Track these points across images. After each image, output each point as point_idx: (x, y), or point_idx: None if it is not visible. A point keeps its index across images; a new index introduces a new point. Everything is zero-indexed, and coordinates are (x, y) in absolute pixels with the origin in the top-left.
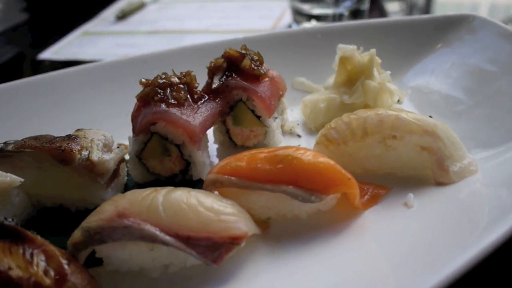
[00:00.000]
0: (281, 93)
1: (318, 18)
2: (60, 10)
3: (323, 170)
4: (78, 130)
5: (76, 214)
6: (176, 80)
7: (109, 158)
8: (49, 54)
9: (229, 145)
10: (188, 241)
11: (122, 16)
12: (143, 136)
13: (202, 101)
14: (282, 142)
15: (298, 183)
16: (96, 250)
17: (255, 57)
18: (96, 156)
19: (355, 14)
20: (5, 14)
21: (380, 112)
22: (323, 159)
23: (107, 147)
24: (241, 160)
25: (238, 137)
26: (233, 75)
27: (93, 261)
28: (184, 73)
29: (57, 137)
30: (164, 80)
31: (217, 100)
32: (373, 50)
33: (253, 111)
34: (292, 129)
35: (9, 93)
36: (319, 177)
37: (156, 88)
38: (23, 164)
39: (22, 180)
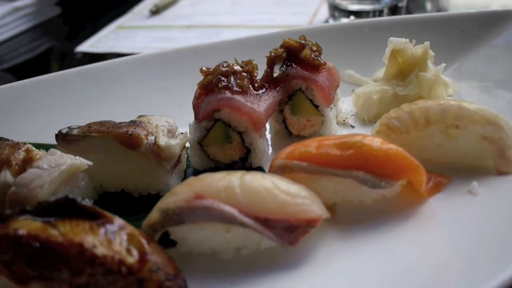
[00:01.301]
0: (336, 83)
1: (356, 14)
2: (92, 4)
3: (392, 156)
4: (140, 116)
5: (139, 199)
6: (238, 68)
7: (175, 143)
8: (86, 47)
9: (284, 134)
10: (266, 223)
11: (156, 11)
12: (206, 122)
13: (263, 90)
14: (338, 132)
15: (368, 169)
16: (171, 232)
17: (314, 48)
18: (162, 141)
19: (393, 10)
20: (39, 8)
21: (442, 102)
22: (392, 146)
23: (171, 133)
24: (310, 146)
25: (294, 127)
26: (293, 64)
27: (165, 243)
28: (245, 62)
29: (121, 122)
30: (226, 68)
31: (277, 89)
32: (427, 43)
33: (311, 101)
34: (345, 119)
35: (67, 80)
36: (389, 163)
37: (219, 76)
38: (88, 149)
39: (91, 163)
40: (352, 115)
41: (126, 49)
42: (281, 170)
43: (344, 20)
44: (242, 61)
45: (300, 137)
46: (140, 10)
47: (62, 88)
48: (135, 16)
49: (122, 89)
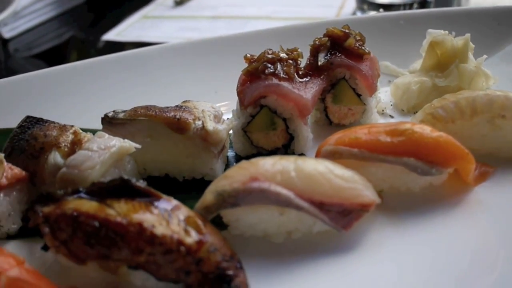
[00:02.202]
0: (377, 73)
1: (385, 7)
2: None
3: (443, 144)
4: (185, 101)
5: (183, 183)
6: (284, 55)
7: (222, 128)
8: (112, 35)
9: (324, 123)
10: (321, 206)
11: (181, 1)
12: (251, 109)
13: (307, 78)
14: (378, 121)
15: (418, 156)
16: (223, 214)
17: (357, 37)
18: (210, 125)
19: (422, 4)
20: None
21: (489, 92)
22: (442, 133)
23: (217, 118)
24: (359, 133)
25: (335, 115)
26: (337, 53)
27: (217, 226)
28: (290, 50)
29: (167, 107)
30: (272, 56)
31: (321, 77)
32: (468, 35)
33: (353, 90)
34: (384, 109)
35: (109, 65)
36: (439, 151)
37: (265, 62)
38: (135, 132)
39: (139, 146)
40: (391, 105)
41: (152, 39)
42: (330, 156)
43: (372, 13)
44: (287, 49)
45: (340, 126)
46: (164, 0)
47: (101, 74)
48: (159, 6)
49: (160, 76)
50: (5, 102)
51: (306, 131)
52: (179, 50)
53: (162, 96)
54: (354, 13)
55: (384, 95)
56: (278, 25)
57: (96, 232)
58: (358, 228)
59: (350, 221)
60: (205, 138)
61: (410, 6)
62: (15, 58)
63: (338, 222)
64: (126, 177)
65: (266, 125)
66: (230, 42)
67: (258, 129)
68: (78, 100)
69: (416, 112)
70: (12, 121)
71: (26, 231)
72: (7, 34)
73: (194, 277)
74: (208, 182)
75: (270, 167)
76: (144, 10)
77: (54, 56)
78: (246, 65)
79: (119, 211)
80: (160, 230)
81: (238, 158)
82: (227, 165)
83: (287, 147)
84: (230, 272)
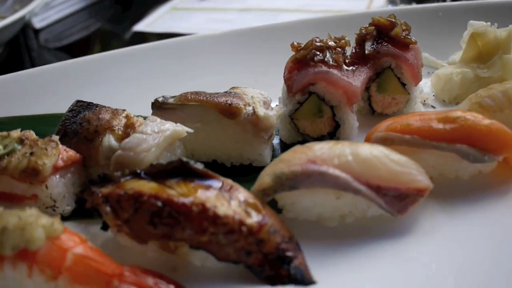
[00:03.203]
0: (421, 63)
1: (419, 1)
2: None
3: (495, 132)
4: (233, 87)
5: (230, 169)
6: (332, 43)
7: (273, 114)
8: (142, 26)
9: (367, 112)
10: (378, 190)
11: None
12: (300, 96)
13: (354, 67)
14: (422, 111)
15: (470, 143)
16: (279, 198)
17: (403, 27)
18: (261, 111)
19: None
20: None
21: None
22: (494, 121)
23: (266, 105)
24: (410, 119)
25: (378, 104)
26: (383, 42)
27: None
28: (338, 38)
29: (217, 92)
30: (320, 44)
31: (368, 65)
32: (511, 26)
33: (398, 79)
34: (426, 100)
35: (147, 54)
36: (492, 138)
37: (314, 50)
38: (185, 117)
39: (191, 131)
40: (433, 95)
41: (183, 30)
42: (381, 142)
43: (404, 7)
44: (335, 37)
45: (383, 115)
46: None
47: (144, 61)
48: None
49: (202, 64)
50: (52, 87)
51: (352, 119)
52: (222, 39)
53: (205, 84)
54: (385, 6)
55: (423, 86)
56: (310, 17)
57: (160, 212)
58: (409, 214)
59: (405, 206)
60: (255, 123)
61: None
62: (45, 48)
63: (394, 207)
64: (184, 159)
65: (313, 112)
66: (275, 31)
67: (305, 116)
68: (121, 86)
69: (458, 103)
70: (57, 107)
71: (78, 213)
72: (38, 24)
73: (255, 258)
74: (256, 168)
75: (327, 151)
76: (172, 2)
77: (82, 48)
78: (286, 54)
79: (180, 191)
80: (222, 210)
81: (283, 145)
82: (274, 152)
83: (333, 135)
84: (290, 254)
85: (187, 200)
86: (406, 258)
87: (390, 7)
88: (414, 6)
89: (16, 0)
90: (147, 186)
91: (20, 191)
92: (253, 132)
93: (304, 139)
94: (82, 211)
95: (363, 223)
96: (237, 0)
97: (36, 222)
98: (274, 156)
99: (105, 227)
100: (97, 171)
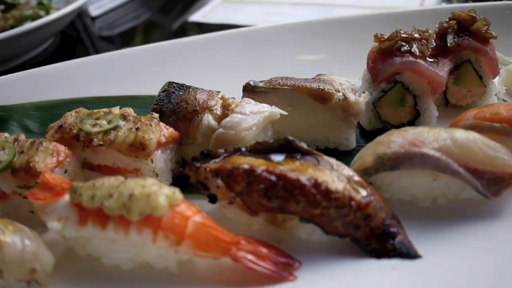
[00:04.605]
0: (497, 57)
1: None
2: None
3: None
4: (319, 74)
5: None
6: (417, 35)
7: (362, 100)
8: (198, 17)
9: (441, 103)
10: (475, 173)
11: None
12: (385, 84)
13: (436, 58)
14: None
15: None
16: (375, 178)
17: (483, 22)
18: (352, 97)
19: None
20: None
21: None
22: None
23: (353, 91)
24: (499, 108)
25: (453, 96)
26: (464, 36)
27: None
28: (422, 31)
29: (306, 78)
30: (406, 35)
31: (449, 57)
32: None
33: (476, 72)
34: (497, 94)
35: (225, 41)
36: None
37: (400, 41)
38: (276, 101)
39: (285, 113)
40: (506, 89)
41: (239, 21)
42: (470, 130)
43: (459, 5)
44: (418, 30)
45: (458, 107)
46: None
47: (226, 47)
48: None
49: (273, 54)
50: (138, 70)
51: (433, 109)
52: (297, 29)
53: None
54: (439, 4)
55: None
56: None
57: (274, 186)
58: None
59: (500, 189)
60: (346, 109)
61: None
62: (101, 36)
63: (489, 190)
64: (290, 137)
65: (396, 101)
66: (347, 24)
67: (388, 104)
68: (205, 70)
69: None
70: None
71: None
72: (94, 12)
73: (362, 232)
74: (339, 152)
75: (425, 134)
76: None
77: (132, 37)
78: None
79: (290, 167)
80: (334, 185)
81: (363, 132)
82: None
83: (412, 123)
84: (394, 230)
85: (300, 175)
86: (498, 241)
87: (444, 5)
88: (483, 4)
89: None
90: (256, 162)
91: (122, 165)
92: (343, 117)
93: (384, 126)
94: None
95: (453, 205)
96: None
97: (159, 191)
98: None
99: (213, 200)
100: (191, 149)
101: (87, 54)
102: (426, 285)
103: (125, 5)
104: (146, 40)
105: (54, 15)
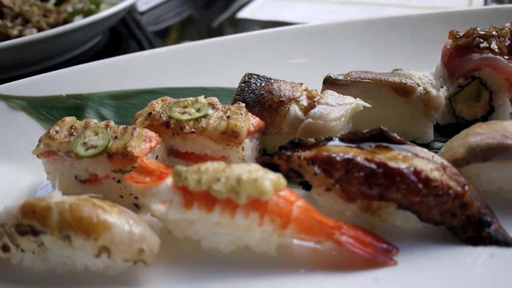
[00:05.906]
0: None
1: None
2: None
3: None
4: (396, 69)
5: None
6: (495, 33)
7: (442, 94)
8: (247, 13)
9: None
10: None
11: None
12: (462, 80)
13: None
14: None
15: None
16: (464, 169)
17: None
18: (434, 91)
19: None
20: None
21: None
22: None
23: (432, 86)
24: None
25: None
26: None
27: None
28: (498, 28)
29: (385, 73)
30: (484, 32)
31: None
32: None
33: None
34: None
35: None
36: None
37: (477, 38)
38: (357, 94)
39: (369, 105)
40: None
41: (288, 19)
42: None
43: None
44: (495, 27)
45: None
46: None
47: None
48: None
49: (339, 50)
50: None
51: (508, 105)
52: (359, 27)
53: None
54: (485, 4)
55: None
56: (412, 13)
57: (374, 174)
58: None
59: None
60: (427, 102)
61: None
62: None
63: None
64: (383, 128)
65: (473, 96)
66: (407, 22)
67: (464, 99)
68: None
69: None
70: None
71: None
72: (141, 7)
73: (459, 220)
74: (417, 144)
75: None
76: None
77: (174, 33)
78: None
79: (386, 156)
80: (432, 174)
81: (435, 126)
82: None
83: (485, 119)
84: (489, 218)
85: (400, 163)
86: None
87: (494, 6)
88: None
89: None
90: (351, 151)
91: (210, 152)
92: (423, 111)
93: (457, 121)
94: None
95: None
96: None
97: (265, 176)
98: None
99: (307, 187)
100: (272, 139)
101: (141, 48)
102: None
103: (170, 1)
104: (191, 36)
105: (112, 10)
